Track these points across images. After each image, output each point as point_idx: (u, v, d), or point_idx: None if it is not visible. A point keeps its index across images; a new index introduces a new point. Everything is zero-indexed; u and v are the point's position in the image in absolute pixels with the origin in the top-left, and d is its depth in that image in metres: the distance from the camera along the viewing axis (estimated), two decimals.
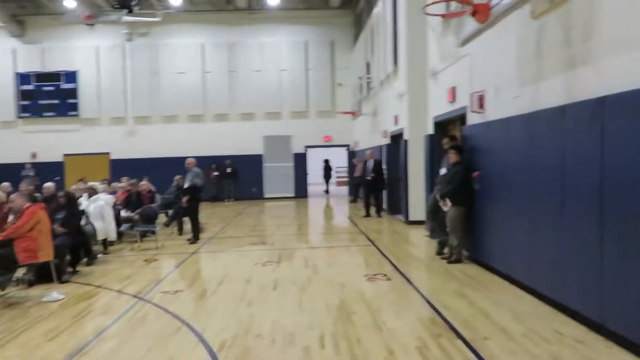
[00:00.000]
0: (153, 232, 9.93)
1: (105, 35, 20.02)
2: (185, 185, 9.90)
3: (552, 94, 5.01)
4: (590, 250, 4.18)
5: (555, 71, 4.92)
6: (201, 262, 8.04)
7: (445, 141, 7.56)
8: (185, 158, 10.88)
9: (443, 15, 7.11)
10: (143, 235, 10.14)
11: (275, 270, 7.26)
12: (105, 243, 9.00)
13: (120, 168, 18.86)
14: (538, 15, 5.09)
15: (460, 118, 8.13)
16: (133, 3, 16.35)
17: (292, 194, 20.64)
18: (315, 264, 7.59)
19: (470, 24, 5.47)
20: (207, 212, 15.48)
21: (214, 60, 20.36)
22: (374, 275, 6.71)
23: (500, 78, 6.29)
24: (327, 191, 23.85)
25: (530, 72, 5.44)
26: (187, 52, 20.29)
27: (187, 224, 10.51)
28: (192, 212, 9.93)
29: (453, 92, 8.14)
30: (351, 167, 19.99)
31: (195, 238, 9.89)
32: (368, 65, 16.66)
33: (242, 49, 20.50)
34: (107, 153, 20.10)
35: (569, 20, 4.66)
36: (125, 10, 16.38)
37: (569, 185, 4.50)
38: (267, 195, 20.49)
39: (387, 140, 13.68)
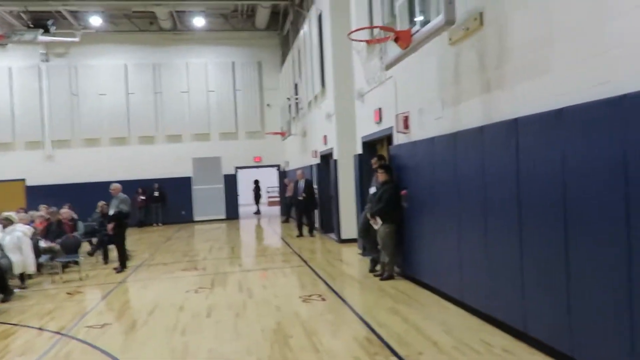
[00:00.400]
0: (76, 263, 9.43)
1: (19, 56, 19.04)
2: (111, 212, 9.58)
3: (471, 115, 5.21)
4: (511, 261, 4.33)
5: (473, 94, 5.12)
6: (130, 291, 7.80)
7: (374, 161, 7.70)
8: (109, 182, 10.56)
9: (367, 41, 7.26)
10: (65, 266, 9.69)
11: (209, 296, 7.11)
12: (23, 277, 8.50)
13: (38, 195, 17.90)
14: (454, 42, 5.29)
15: (387, 138, 8.29)
16: (49, 22, 15.61)
17: (223, 216, 20.34)
18: (250, 288, 7.49)
19: (394, 49, 5.67)
20: (134, 238, 14.94)
21: (137, 81, 19.82)
22: (309, 296, 6.69)
23: (423, 100, 6.46)
24: (258, 212, 23.66)
25: (450, 95, 5.64)
26: (109, 73, 19.65)
27: (113, 252, 10.15)
28: (118, 239, 9.61)
29: (379, 113, 8.29)
30: (282, 187, 19.97)
31: (122, 266, 9.57)
32: (296, 86, 16.77)
33: (167, 70, 20.10)
34: (23, 179, 18.94)
35: (483, 47, 4.87)
36: (41, 30, 15.61)
37: (490, 199, 4.68)
38: (197, 218, 20.08)
39: (317, 160, 13.75)
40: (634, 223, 3.00)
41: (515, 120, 4.28)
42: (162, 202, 19.56)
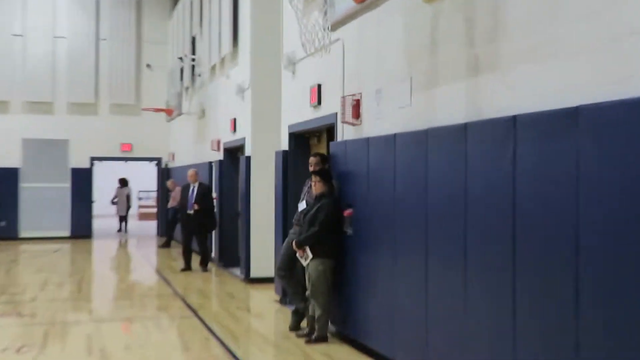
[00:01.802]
0: None
1: None
2: None
3: (450, 105, 5.39)
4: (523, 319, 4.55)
5: (455, 76, 5.30)
6: None
7: (314, 161, 7.93)
8: None
9: None
10: None
11: (38, 359, 6.95)
12: None
13: None
14: None
15: (328, 130, 8.47)
16: None
17: (66, 233, 20.13)
18: (105, 348, 7.38)
19: (345, 1, 5.73)
20: None
21: None
22: None
23: (382, 78, 6.60)
24: (123, 228, 23.69)
25: (422, 74, 5.81)
26: None
27: None
28: None
29: (317, 92, 8.44)
30: (164, 192, 20.04)
31: None
32: (194, 41, 16.83)
33: None
34: None
35: (472, 10, 5.06)
36: None
37: (474, 227, 4.86)
38: (24, 234, 19.78)
39: (219, 156, 13.87)
40: None
41: (514, 118, 4.44)
42: None
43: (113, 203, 23.94)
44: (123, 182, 23.78)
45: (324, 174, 7.58)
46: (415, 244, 5.80)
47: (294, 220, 8.24)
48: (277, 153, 10.17)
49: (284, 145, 9.96)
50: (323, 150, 8.72)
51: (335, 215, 7.37)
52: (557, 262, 4.02)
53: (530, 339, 4.24)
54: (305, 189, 8.06)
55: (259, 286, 11.31)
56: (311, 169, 7.87)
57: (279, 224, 9.89)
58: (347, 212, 7.23)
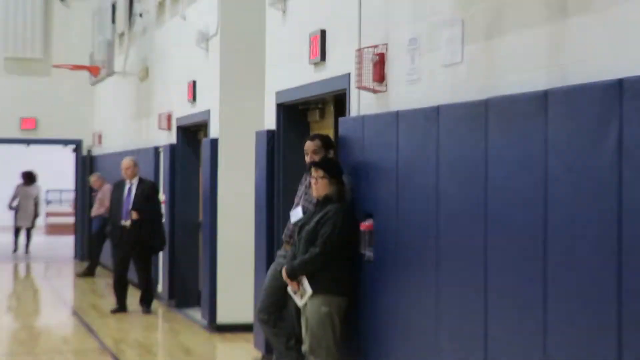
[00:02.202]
0: None
1: None
2: None
3: (523, 63, 5.37)
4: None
5: (530, 18, 5.29)
6: None
7: (311, 148, 7.95)
8: None
9: None
10: None
11: None
12: None
13: None
14: None
15: (335, 100, 8.53)
16: None
17: None
18: None
19: None
20: None
21: None
22: None
23: (420, 21, 6.60)
24: (22, 248, 23.57)
25: (480, 15, 5.82)
26: None
27: None
28: None
29: (320, 41, 8.47)
30: (85, 193, 20.30)
31: None
32: None
33: None
34: None
35: None
36: None
37: (559, 241, 4.86)
38: None
39: (170, 138, 13.94)
40: None
41: (619, 82, 4.41)
42: None
43: (11, 208, 23.81)
44: (28, 178, 23.63)
45: (330, 167, 7.57)
46: (470, 271, 5.79)
47: (283, 236, 8.25)
48: (258, 134, 10.11)
49: (269, 122, 9.91)
50: (328, 131, 8.75)
51: (347, 229, 7.41)
52: None
53: None
54: (302, 189, 8.11)
55: (231, 337, 11.22)
56: (309, 159, 7.90)
57: (260, 242, 9.84)
58: (366, 224, 7.28)
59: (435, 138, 6.23)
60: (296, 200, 8.17)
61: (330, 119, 9.00)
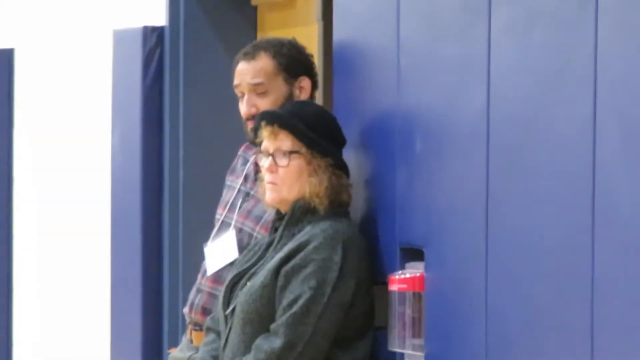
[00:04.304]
0: None
1: None
2: None
3: None
4: None
5: None
6: None
7: (253, 76, 5.35)
8: None
9: None
10: None
11: None
12: None
13: None
14: None
15: None
16: None
17: None
18: None
19: None
20: None
21: None
22: None
23: None
24: None
25: None
26: None
27: None
28: None
29: None
30: None
31: None
32: None
33: None
34: None
35: None
36: None
37: None
38: None
39: None
40: None
41: None
42: None
43: None
44: None
45: (311, 127, 4.80)
46: None
47: (187, 310, 5.36)
48: (119, 38, 7.82)
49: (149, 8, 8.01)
50: (303, 34, 6.58)
51: (356, 290, 4.62)
52: None
53: None
54: (236, 184, 5.30)
55: None
56: (247, 107, 5.13)
57: (124, 318, 7.75)
58: (401, 278, 4.65)
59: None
60: (220, 216, 5.22)
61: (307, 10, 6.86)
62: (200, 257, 5.30)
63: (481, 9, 4.11)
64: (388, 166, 4.54)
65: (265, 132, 4.48)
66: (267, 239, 4.59)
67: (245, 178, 5.01)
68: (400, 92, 4.58)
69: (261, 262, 4.44)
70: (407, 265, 4.36)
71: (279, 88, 4.89)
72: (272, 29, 7.11)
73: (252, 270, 4.45)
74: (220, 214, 5.07)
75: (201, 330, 4.97)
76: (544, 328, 3.72)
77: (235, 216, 4.95)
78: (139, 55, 7.23)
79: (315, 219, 4.37)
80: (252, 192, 4.94)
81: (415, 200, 4.39)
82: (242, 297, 4.38)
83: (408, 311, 4.30)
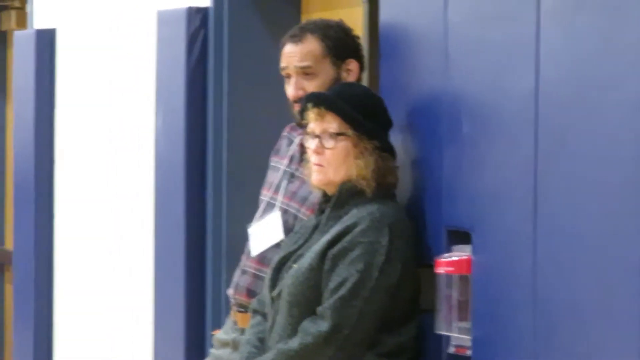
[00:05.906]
0: None
1: None
2: None
3: None
4: None
5: None
6: None
7: (300, 59, 5.36)
8: None
9: None
10: None
11: None
12: None
13: None
14: None
15: None
16: None
17: None
18: None
19: None
20: None
21: None
22: None
23: None
24: None
25: None
26: None
27: None
28: None
29: None
30: None
31: None
32: None
33: None
34: None
35: None
36: None
37: None
38: None
39: None
40: None
41: None
42: None
43: None
44: None
45: (359, 110, 4.75)
46: None
47: (231, 291, 5.31)
48: (163, 19, 7.71)
49: None
50: (349, 15, 6.35)
51: (404, 273, 4.54)
52: None
53: None
54: (281, 166, 5.28)
55: None
56: (294, 90, 5.13)
57: (168, 303, 7.60)
58: (448, 260, 4.59)
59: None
60: (264, 197, 5.24)
61: None
62: (244, 238, 5.31)
63: None
64: (435, 148, 4.53)
65: (312, 114, 4.53)
66: (313, 221, 4.66)
67: (291, 159, 5.07)
68: (447, 74, 4.59)
69: (307, 244, 4.48)
70: (454, 248, 4.37)
71: (327, 70, 4.94)
72: (316, 10, 7.03)
73: (299, 252, 4.48)
74: (265, 195, 5.14)
75: (245, 311, 5.00)
76: (592, 313, 3.66)
77: (280, 197, 5.01)
78: (182, 36, 7.27)
79: (361, 202, 4.39)
80: (297, 173, 4.98)
81: (462, 183, 4.41)
82: (288, 279, 4.42)
83: (455, 294, 4.31)
